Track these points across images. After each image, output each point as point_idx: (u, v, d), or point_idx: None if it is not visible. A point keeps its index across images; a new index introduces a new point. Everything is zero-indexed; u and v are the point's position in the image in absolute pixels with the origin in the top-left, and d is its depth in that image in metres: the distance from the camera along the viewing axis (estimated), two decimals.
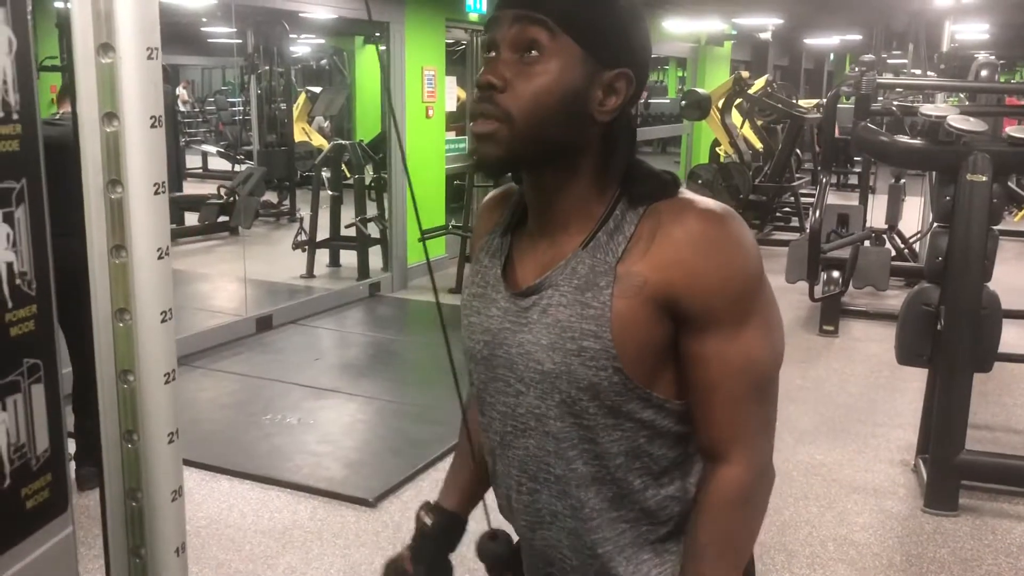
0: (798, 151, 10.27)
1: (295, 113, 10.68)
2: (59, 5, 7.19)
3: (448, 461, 1.37)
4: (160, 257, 0.96)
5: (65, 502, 0.88)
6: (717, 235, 1.03)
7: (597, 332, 1.03)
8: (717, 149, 10.28)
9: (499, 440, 1.17)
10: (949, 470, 3.48)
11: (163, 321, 0.97)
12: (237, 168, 11.38)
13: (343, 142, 7.77)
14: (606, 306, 1.03)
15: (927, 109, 3.67)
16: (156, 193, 0.95)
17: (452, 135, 7.98)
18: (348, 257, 7.54)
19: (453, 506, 1.36)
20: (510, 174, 1.17)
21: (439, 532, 1.33)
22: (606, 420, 1.07)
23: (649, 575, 1.13)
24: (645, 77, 1.10)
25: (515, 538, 1.25)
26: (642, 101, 18.25)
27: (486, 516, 1.26)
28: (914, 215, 7.71)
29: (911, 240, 7.53)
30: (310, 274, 7.38)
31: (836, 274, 5.91)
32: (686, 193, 1.09)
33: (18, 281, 0.78)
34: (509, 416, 1.14)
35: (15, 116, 0.76)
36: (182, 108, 17.06)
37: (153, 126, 0.94)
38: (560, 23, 1.02)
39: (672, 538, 1.14)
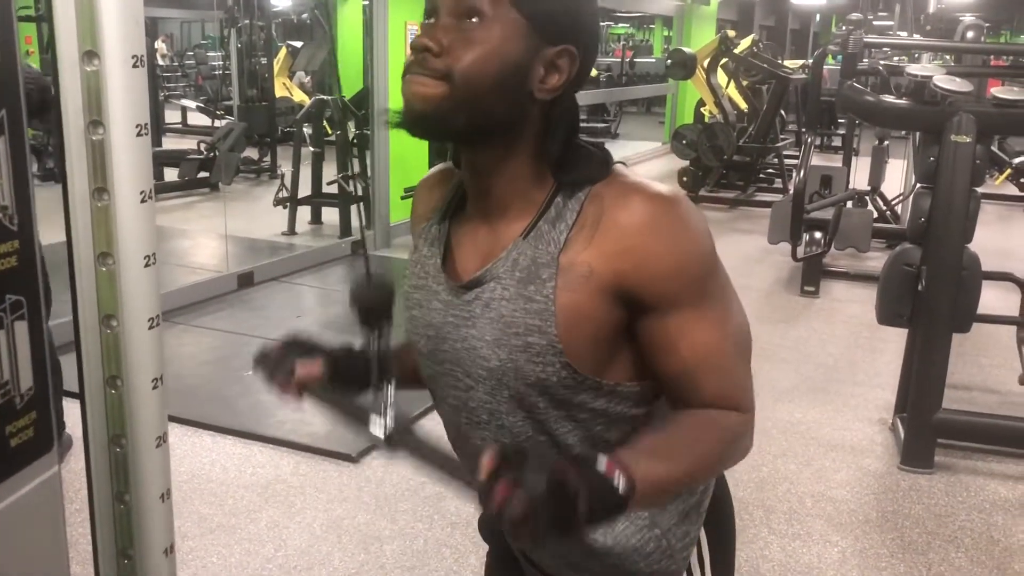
0: (782, 112, 10.25)
1: (276, 68, 10.52)
2: None
3: (431, 419, 1.34)
4: (143, 200, 0.94)
5: (50, 442, 0.87)
6: (664, 219, 1.00)
7: (542, 327, 1.00)
8: (702, 109, 10.24)
9: (456, 432, 1.16)
10: (926, 428, 3.53)
11: (147, 265, 0.96)
12: (217, 123, 11.23)
13: (325, 98, 7.68)
14: (549, 299, 1.00)
15: (913, 69, 3.66)
16: (139, 135, 0.93)
17: None
18: (330, 214, 7.49)
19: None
20: (449, 150, 1.12)
21: (365, 359, 1.13)
22: (558, 412, 1.06)
23: (628, 543, 1.13)
24: (591, 58, 1.04)
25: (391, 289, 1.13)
26: (627, 60, 18.20)
27: None
28: (897, 178, 7.74)
29: (893, 202, 7.56)
30: (292, 231, 7.33)
31: (818, 235, 5.94)
32: (628, 175, 1.05)
33: None
34: (462, 409, 1.12)
35: None
36: (161, 62, 16.78)
37: (135, 66, 0.92)
38: None
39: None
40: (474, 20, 0.97)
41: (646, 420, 1.10)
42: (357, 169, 7.30)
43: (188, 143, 10.24)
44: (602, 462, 0.89)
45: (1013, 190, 8.75)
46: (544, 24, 0.99)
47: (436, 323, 1.10)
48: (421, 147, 7.51)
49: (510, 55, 0.98)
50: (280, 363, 1.15)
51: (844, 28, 4.63)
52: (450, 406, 1.13)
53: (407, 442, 1.02)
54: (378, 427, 1.03)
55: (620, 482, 0.89)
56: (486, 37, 0.98)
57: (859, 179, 7.45)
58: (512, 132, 1.03)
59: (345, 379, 1.17)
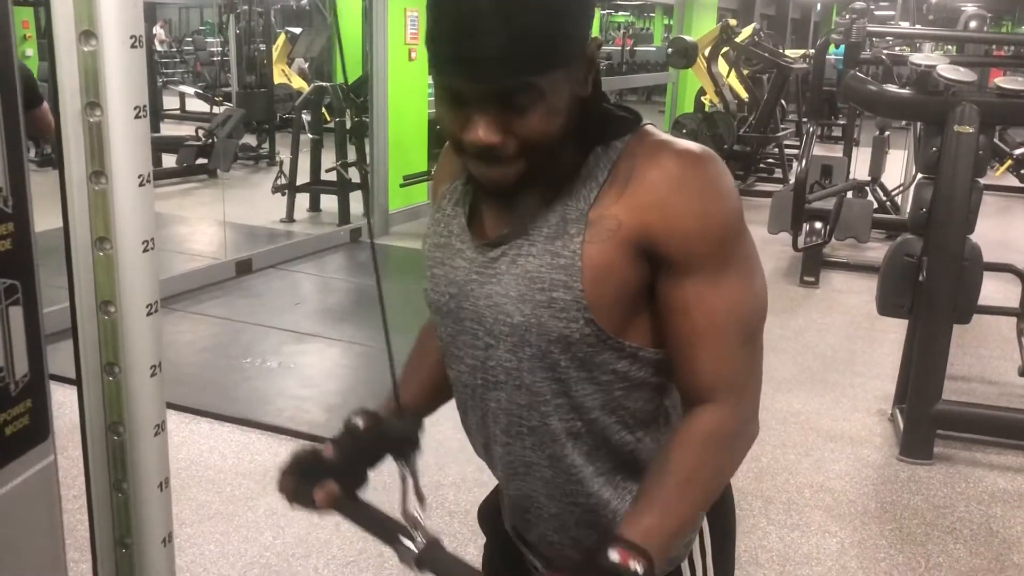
0: (783, 102, 10.22)
1: (275, 54, 10.49)
2: None
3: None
4: (142, 184, 0.93)
5: (46, 430, 0.85)
6: (695, 176, 0.99)
7: (567, 282, 1.00)
8: (703, 98, 10.21)
9: (470, 393, 1.14)
10: (925, 419, 3.52)
11: (145, 251, 0.94)
12: (215, 110, 11.19)
13: (324, 84, 7.64)
14: (576, 255, 1.00)
15: (917, 58, 3.64)
16: (137, 117, 0.91)
17: None
18: (328, 202, 7.46)
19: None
20: None
21: (370, 436, 1.21)
22: (579, 373, 1.05)
23: None
24: (592, 19, 1.05)
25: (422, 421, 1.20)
26: (628, 48, 18.14)
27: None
28: (897, 168, 7.72)
29: (893, 193, 7.54)
30: (290, 218, 7.31)
31: (819, 225, 5.92)
32: (660, 133, 1.05)
33: None
34: (479, 369, 1.11)
35: None
36: (159, 48, 16.72)
37: (133, 46, 0.90)
38: (543, 71, 0.93)
39: None
40: (523, 104, 0.95)
41: (664, 389, 1.10)
42: (355, 156, 7.29)
43: (186, 129, 10.21)
44: (614, 555, 0.93)
45: (1014, 181, 8.74)
46: (570, 54, 0.97)
47: (459, 280, 1.10)
48: (420, 135, 7.50)
49: (564, 100, 0.98)
50: (299, 489, 1.19)
51: (847, 17, 4.60)
52: (467, 366, 1.12)
53: (437, 562, 1.04)
54: (408, 546, 1.06)
55: (637, 566, 0.93)
56: (541, 108, 0.96)
57: (859, 169, 7.43)
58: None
59: (359, 466, 1.23)
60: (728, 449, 1.05)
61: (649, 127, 1.07)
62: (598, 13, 22.00)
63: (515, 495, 1.18)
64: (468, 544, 2.83)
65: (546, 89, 0.95)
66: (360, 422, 1.22)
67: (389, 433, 1.16)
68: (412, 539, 1.05)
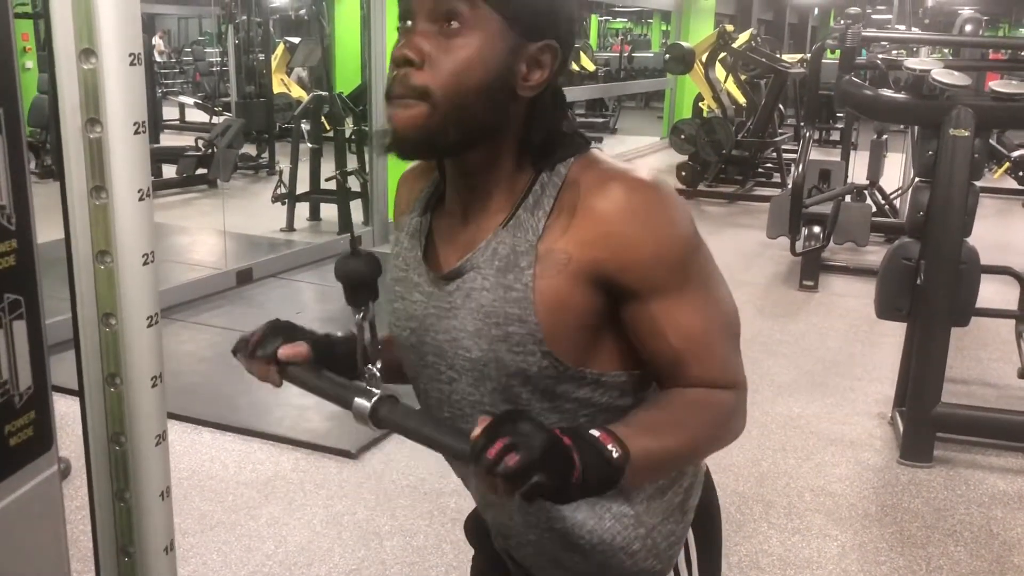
0: (781, 106, 10.25)
1: (273, 64, 10.52)
2: None
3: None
4: (141, 198, 0.94)
5: (50, 441, 0.87)
6: (642, 204, 0.98)
7: (521, 316, 0.99)
8: (700, 103, 10.23)
9: None
10: (925, 422, 3.53)
11: (145, 264, 0.96)
12: (215, 120, 11.22)
13: (323, 94, 7.67)
14: (528, 288, 0.99)
15: (911, 63, 3.66)
16: (136, 132, 0.93)
17: None
18: (329, 211, 7.48)
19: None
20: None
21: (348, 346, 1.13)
22: (542, 404, 1.04)
23: (614, 541, 1.11)
24: (571, 49, 1.04)
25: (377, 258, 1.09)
26: (626, 55, 18.19)
27: None
28: (895, 172, 7.73)
29: (892, 196, 7.56)
30: (290, 228, 7.33)
31: (817, 229, 5.94)
32: (606, 160, 1.04)
33: None
34: (445, 403, 1.10)
35: None
36: (158, 58, 16.76)
37: (132, 64, 0.92)
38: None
39: (627, 503, 1.12)
40: (453, 24, 0.96)
41: (631, 411, 1.09)
42: (355, 165, 7.31)
43: (186, 140, 10.23)
44: (596, 431, 0.90)
45: (1012, 184, 8.75)
46: (523, 22, 0.98)
47: (418, 315, 1.09)
48: None
49: (492, 60, 0.97)
50: (262, 346, 1.09)
51: (842, 22, 4.63)
52: (434, 400, 1.12)
53: (394, 417, 0.97)
54: (363, 406, 0.98)
55: (614, 451, 0.89)
56: (466, 43, 0.96)
57: (858, 173, 7.45)
58: (497, 133, 1.02)
59: (328, 366, 1.11)
60: (721, 417, 1.05)
61: (594, 152, 1.06)
62: (596, 20, 22.06)
63: (493, 522, 1.19)
64: (469, 551, 2.84)
65: (477, 25, 0.95)
66: (341, 334, 1.17)
67: (345, 273, 1.06)
68: (367, 397, 0.98)
